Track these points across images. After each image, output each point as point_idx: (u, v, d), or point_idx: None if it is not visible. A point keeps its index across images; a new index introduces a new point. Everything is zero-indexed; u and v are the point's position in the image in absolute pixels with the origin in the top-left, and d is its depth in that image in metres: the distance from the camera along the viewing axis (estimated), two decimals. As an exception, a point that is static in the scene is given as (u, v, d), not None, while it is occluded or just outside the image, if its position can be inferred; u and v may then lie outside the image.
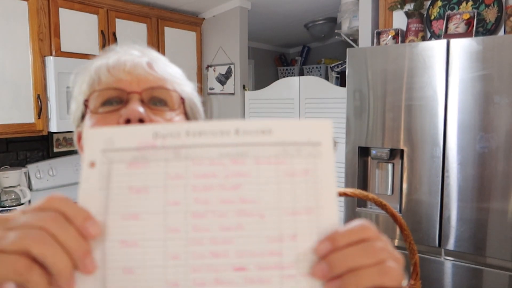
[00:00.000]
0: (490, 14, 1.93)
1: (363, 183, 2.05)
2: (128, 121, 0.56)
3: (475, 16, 1.85)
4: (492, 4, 1.93)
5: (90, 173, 0.37)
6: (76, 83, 0.65)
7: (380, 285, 0.35)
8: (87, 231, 0.33)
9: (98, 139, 0.37)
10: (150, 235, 0.36)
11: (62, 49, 2.31)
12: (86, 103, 0.61)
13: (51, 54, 2.26)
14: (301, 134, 0.38)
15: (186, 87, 0.66)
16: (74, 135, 0.68)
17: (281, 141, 0.38)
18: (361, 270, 0.35)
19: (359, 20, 2.52)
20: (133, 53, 0.63)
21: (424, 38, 2.13)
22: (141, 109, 0.56)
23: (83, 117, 0.63)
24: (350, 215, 2.04)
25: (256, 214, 0.37)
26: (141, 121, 0.56)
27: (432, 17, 2.10)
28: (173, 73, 0.65)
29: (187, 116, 0.66)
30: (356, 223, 0.37)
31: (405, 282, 0.36)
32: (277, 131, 0.38)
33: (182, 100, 0.64)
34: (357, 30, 2.60)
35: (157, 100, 0.60)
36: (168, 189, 0.37)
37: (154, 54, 0.66)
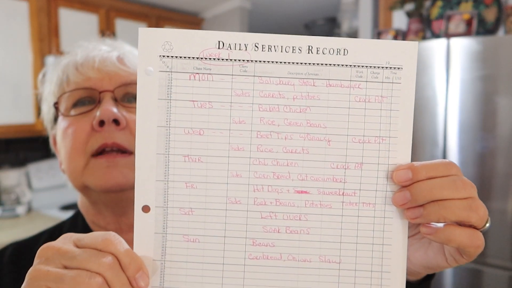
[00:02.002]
0: (490, 14, 1.93)
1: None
2: (102, 123, 0.53)
3: (475, 16, 1.85)
4: (492, 4, 1.93)
5: (148, 80, 0.35)
6: (45, 83, 0.62)
7: (465, 220, 0.33)
8: (137, 284, 0.33)
9: (155, 42, 0.34)
10: (213, 152, 0.35)
11: (62, 49, 2.31)
12: (56, 106, 0.57)
13: (51, 54, 2.26)
14: (380, 55, 0.35)
15: None
16: (50, 138, 0.65)
17: (357, 63, 0.35)
18: (448, 202, 0.33)
19: (359, 20, 2.52)
20: (102, 48, 0.59)
21: (424, 38, 2.13)
22: (114, 109, 0.54)
23: (55, 119, 0.60)
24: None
25: (323, 139, 0.36)
26: (115, 121, 0.54)
27: (432, 17, 2.10)
28: None
29: None
30: (439, 160, 0.35)
31: (488, 226, 0.35)
32: (353, 51, 0.35)
33: None
34: (357, 30, 2.60)
35: (131, 97, 0.57)
36: (233, 106, 0.35)
37: (126, 47, 0.62)
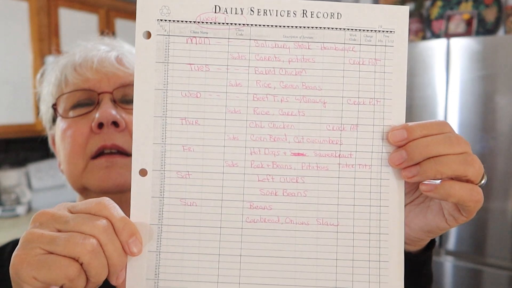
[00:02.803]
0: (490, 14, 1.93)
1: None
2: (101, 125, 0.53)
3: (475, 16, 1.85)
4: (492, 4, 1.93)
5: (146, 44, 0.35)
6: (43, 83, 0.61)
7: (462, 174, 0.34)
8: (130, 249, 0.33)
9: (153, 6, 0.35)
10: (210, 114, 0.35)
11: (62, 49, 2.31)
12: (55, 107, 0.57)
13: (51, 54, 2.26)
14: (373, 19, 0.36)
15: None
16: (48, 138, 0.64)
17: (350, 26, 0.36)
18: (444, 157, 0.34)
19: (359, 20, 2.52)
20: (101, 48, 0.58)
21: (424, 38, 2.13)
22: (113, 111, 0.53)
23: (54, 120, 0.60)
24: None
25: (318, 101, 0.36)
26: (114, 123, 0.53)
27: (432, 17, 2.10)
28: None
29: None
30: (432, 120, 0.36)
31: (484, 182, 0.36)
32: (347, 15, 0.36)
33: None
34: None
35: (130, 97, 0.57)
36: (230, 68, 0.35)
37: (125, 47, 0.62)
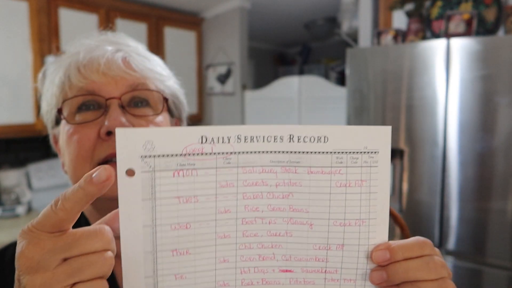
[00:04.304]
0: (490, 14, 1.93)
1: (363, 183, 2.05)
2: (109, 133, 0.52)
3: (475, 16, 1.85)
4: (492, 4, 1.93)
5: (130, 182, 0.33)
6: (45, 83, 0.60)
7: None
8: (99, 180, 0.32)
9: (135, 142, 0.33)
10: (201, 242, 0.36)
11: (62, 49, 2.31)
12: (59, 110, 0.55)
13: (51, 54, 2.26)
14: (358, 141, 0.37)
15: (168, 81, 0.61)
16: (50, 136, 0.63)
17: (337, 150, 0.36)
18: (421, 283, 0.36)
19: (359, 20, 2.52)
20: (106, 48, 0.56)
21: (424, 38, 2.13)
22: (123, 119, 0.52)
23: (57, 121, 0.58)
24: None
25: (305, 223, 0.37)
26: None
27: (432, 17, 2.10)
28: (152, 67, 0.59)
29: (170, 113, 0.62)
30: (414, 238, 0.38)
31: None
32: (333, 138, 0.36)
33: (166, 99, 0.59)
34: (357, 30, 2.60)
35: (138, 101, 0.56)
36: (218, 197, 0.35)
37: (130, 44, 0.60)
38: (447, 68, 1.73)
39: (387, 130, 0.37)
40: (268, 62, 4.56)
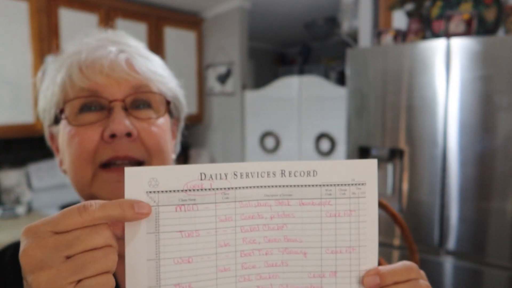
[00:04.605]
0: (490, 14, 1.93)
1: (363, 183, 2.05)
2: (113, 135, 0.52)
3: (475, 16, 1.85)
4: (492, 4, 1.93)
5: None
6: (45, 81, 0.59)
7: None
8: (140, 211, 0.35)
9: (141, 180, 0.36)
10: (202, 276, 0.37)
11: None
12: (61, 111, 0.55)
13: (51, 54, 2.26)
14: (346, 174, 0.39)
15: (170, 83, 0.61)
16: (46, 134, 0.63)
17: (326, 183, 0.39)
18: None
19: (359, 20, 2.52)
20: (109, 49, 0.56)
21: (424, 38, 2.13)
22: (127, 122, 0.53)
23: (56, 119, 0.58)
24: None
25: (300, 252, 0.40)
26: (128, 135, 0.53)
27: (432, 17, 2.10)
28: (155, 69, 0.59)
29: (170, 114, 0.62)
30: (401, 263, 0.40)
31: None
32: (322, 172, 0.39)
33: (168, 102, 0.59)
34: (357, 30, 2.60)
35: (140, 103, 0.56)
36: (218, 231, 0.38)
37: (132, 44, 0.60)
38: (447, 68, 1.73)
39: (373, 163, 0.40)
40: (268, 62, 4.57)
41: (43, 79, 0.61)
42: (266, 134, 3.04)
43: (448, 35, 1.85)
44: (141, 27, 2.73)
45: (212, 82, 3.25)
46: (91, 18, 2.44)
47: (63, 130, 0.56)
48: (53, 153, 0.64)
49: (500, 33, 1.92)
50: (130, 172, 0.36)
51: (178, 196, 0.36)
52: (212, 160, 3.35)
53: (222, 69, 3.19)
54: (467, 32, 1.83)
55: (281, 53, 4.69)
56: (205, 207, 0.37)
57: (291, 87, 2.91)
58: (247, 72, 3.28)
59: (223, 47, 3.17)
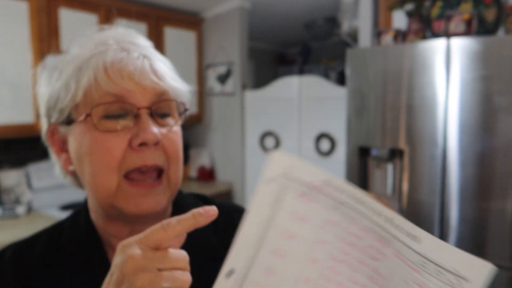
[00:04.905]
0: (490, 14, 1.93)
1: (363, 183, 2.05)
2: (142, 144, 0.52)
3: (475, 16, 1.85)
4: (492, 4, 1.93)
5: (268, 188, 0.38)
6: (53, 77, 0.58)
7: None
8: (208, 214, 0.41)
9: (281, 163, 0.37)
10: (295, 251, 0.38)
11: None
12: (89, 116, 0.53)
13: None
14: (450, 259, 0.38)
15: (183, 89, 0.61)
16: (45, 130, 0.61)
17: (424, 254, 0.38)
18: None
19: (359, 20, 2.52)
20: (134, 54, 0.55)
21: (424, 38, 2.13)
22: (155, 130, 0.53)
23: (68, 120, 0.56)
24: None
25: (379, 284, 0.39)
26: (156, 143, 0.53)
27: (432, 17, 2.10)
28: (173, 76, 0.59)
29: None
30: None
31: None
32: (425, 243, 0.38)
33: (185, 110, 0.61)
34: (357, 30, 2.60)
35: (163, 110, 0.56)
36: (321, 228, 0.38)
37: (146, 45, 0.59)
38: (447, 68, 1.73)
39: (487, 267, 0.38)
40: (268, 62, 4.57)
41: (49, 75, 0.59)
42: (266, 134, 3.04)
43: (448, 35, 1.85)
44: (141, 27, 2.73)
45: (212, 82, 3.25)
46: (91, 18, 2.44)
47: (82, 135, 0.54)
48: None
49: (500, 33, 1.92)
50: (276, 154, 0.37)
51: (301, 188, 0.37)
52: (212, 160, 3.35)
53: (222, 69, 3.19)
54: (467, 32, 1.83)
55: (281, 53, 4.69)
56: (317, 205, 0.38)
57: (291, 87, 2.91)
58: (247, 72, 3.28)
59: (223, 47, 3.17)
